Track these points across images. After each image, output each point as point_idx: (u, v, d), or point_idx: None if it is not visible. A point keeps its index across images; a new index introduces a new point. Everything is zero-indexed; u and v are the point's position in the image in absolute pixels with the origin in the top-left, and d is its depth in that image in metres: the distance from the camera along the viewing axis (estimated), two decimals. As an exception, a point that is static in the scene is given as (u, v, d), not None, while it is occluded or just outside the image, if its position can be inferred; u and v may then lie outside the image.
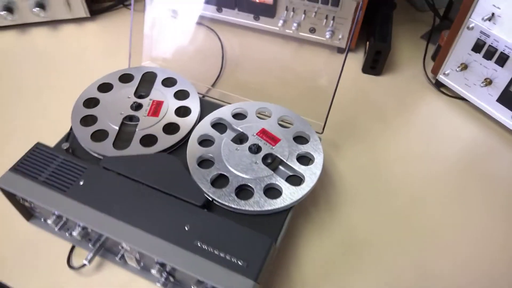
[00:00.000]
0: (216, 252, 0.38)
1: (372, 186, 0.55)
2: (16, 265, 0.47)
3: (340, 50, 0.76)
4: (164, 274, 0.42)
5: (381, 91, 0.70)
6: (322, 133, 0.54)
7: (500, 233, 0.51)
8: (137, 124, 0.51)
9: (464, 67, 0.63)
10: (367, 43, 0.74)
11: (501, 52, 0.58)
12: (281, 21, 0.74)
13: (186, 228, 0.40)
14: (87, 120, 0.51)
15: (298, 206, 0.52)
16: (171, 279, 0.43)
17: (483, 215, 0.53)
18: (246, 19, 0.76)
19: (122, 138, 0.49)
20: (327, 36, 0.72)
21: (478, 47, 0.60)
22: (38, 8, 0.73)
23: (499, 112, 0.62)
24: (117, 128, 0.50)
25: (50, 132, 0.51)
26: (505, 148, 0.61)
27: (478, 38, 0.59)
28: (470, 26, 0.60)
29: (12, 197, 0.45)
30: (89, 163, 0.45)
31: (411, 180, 0.56)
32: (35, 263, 0.47)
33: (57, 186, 0.43)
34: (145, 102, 0.53)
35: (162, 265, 0.40)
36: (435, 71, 0.69)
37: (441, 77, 0.68)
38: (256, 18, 0.76)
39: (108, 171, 0.45)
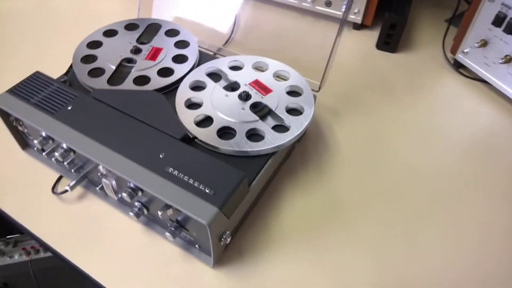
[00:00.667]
0: (185, 178, 0.38)
1: (369, 157, 0.53)
2: (6, 189, 0.48)
3: (355, 26, 0.75)
4: (138, 204, 0.42)
5: (394, 67, 0.67)
6: (318, 91, 0.52)
7: (502, 218, 0.47)
8: (133, 66, 0.51)
9: (484, 43, 0.60)
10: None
11: (523, 26, 0.54)
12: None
13: (161, 156, 0.40)
14: (88, 59, 0.52)
15: (286, 166, 0.51)
16: (145, 211, 0.42)
17: (486, 199, 0.49)
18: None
19: (117, 77, 0.50)
20: (343, 10, 0.71)
21: (498, 20, 0.56)
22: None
23: (518, 92, 0.57)
24: (114, 67, 0.51)
25: (54, 70, 0.53)
26: (521, 131, 0.57)
27: (499, 11, 0.56)
28: (491, -3, 0.56)
29: (7, 119, 0.47)
30: (81, 92, 0.46)
31: (412, 157, 0.53)
32: (24, 188, 0.48)
33: (46, 108, 0.44)
34: (145, 48, 0.54)
35: (134, 190, 0.40)
36: (454, 50, 0.66)
37: (459, 57, 0.65)
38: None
39: (97, 101, 0.45)
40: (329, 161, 0.52)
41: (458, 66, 0.66)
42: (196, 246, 0.42)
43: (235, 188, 0.37)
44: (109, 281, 0.41)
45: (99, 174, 0.43)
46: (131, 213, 0.42)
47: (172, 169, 0.39)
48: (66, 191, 0.46)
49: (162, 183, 0.37)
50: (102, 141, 0.41)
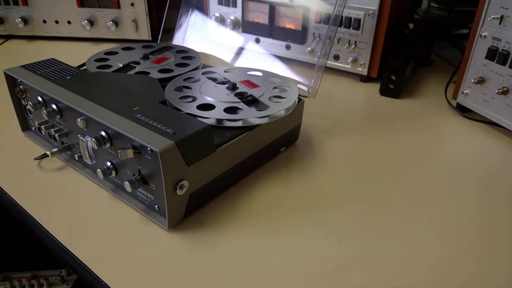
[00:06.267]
0: (150, 122, 0.38)
1: (355, 164, 0.51)
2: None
3: (362, 79, 0.78)
4: (108, 163, 0.42)
5: (396, 110, 0.67)
6: (307, 96, 0.53)
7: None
8: (139, 66, 0.56)
9: (481, 80, 0.60)
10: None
11: (515, 56, 0.55)
12: (308, 48, 0.80)
13: (135, 108, 0.41)
14: (100, 60, 0.58)
15: (269, 166, 0.49)
16: (113, 173, 0.42)
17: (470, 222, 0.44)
18: (279, 50, 0.83)
19: (121, 71, 0.55)
20: (349, 60, 0.76)
21: (491, 53, 0.58)
22: (112, 23, 0.90)
23: (520, 122, 0.55)
24: (121, 65, 0.56)
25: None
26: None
27: (491, 45, 0.58)
28: (483, 34, 0.59)
29: (13, 90, 0.51)
30: (83, 71, 0.50)
31: (400, 170, 0.50)
32: (12, 159, 0.50)
33: (48, 76, 0.48)
34: (155, 57, 0.60)
35: (103, 138, 0.40)
36: (455, 94, 0.66)
37: (460, 99, 0.65)
38: (288, 47, 0.82)
39: (93, 75, 0.49)
40: (313, 164, 0.50)
41: (462, 111, 0.66)
42: (156, 207, 0.40)
43: (197, 133, 0.37)
44: (61, 234, 0.39)
45: (78, 136, 0.45)
46: (98, 170, 0.41)
47: (140, 115, 0.39)
48: (46, 155, 0.47)
49: (126, 122, 0.38)
50: (83, 95, 0.43)
